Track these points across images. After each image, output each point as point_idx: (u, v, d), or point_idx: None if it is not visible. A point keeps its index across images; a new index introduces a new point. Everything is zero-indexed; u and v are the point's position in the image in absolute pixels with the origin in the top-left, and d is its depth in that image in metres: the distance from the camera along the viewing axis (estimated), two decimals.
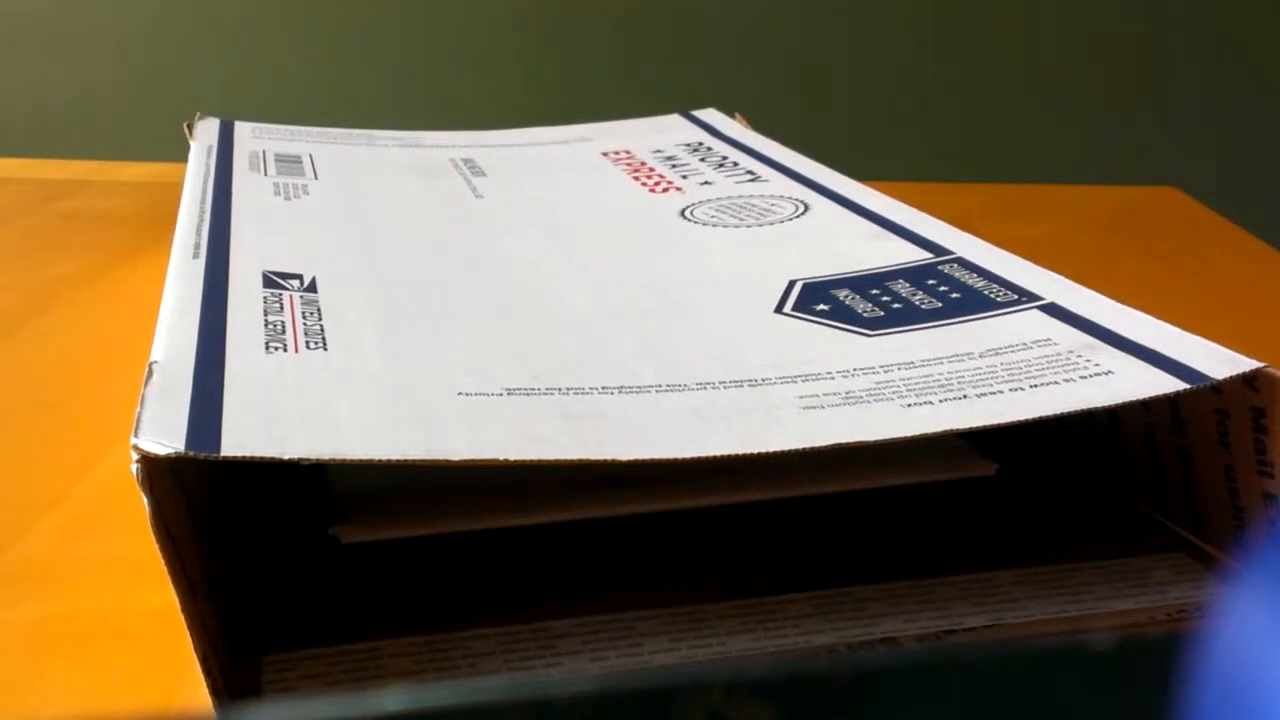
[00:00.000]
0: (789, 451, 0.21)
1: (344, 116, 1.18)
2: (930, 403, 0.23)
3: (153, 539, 0.18)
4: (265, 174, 0.41)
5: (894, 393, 0.24)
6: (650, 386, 0.24)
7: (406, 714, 0.12)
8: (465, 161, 0.46)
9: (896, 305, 0.29)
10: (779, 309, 0.29)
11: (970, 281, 0.30)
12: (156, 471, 0.19)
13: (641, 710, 0.12)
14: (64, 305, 0.41)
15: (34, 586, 0.25)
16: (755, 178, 0.42)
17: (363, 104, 1.19)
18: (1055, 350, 0.26)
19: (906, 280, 0.31)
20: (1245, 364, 0.23)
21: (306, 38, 1.18)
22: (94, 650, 0.23)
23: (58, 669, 0.22)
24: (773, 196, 0.39)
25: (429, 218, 0.37)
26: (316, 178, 0.42)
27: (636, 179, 0.42)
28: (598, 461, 0.21)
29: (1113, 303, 0.28)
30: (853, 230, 0.35)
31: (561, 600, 0.24)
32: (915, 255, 0.32)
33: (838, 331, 0.27)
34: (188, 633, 0.19)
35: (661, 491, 0.25)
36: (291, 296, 0.29)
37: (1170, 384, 0.23)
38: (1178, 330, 0.26)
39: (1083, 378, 0.24)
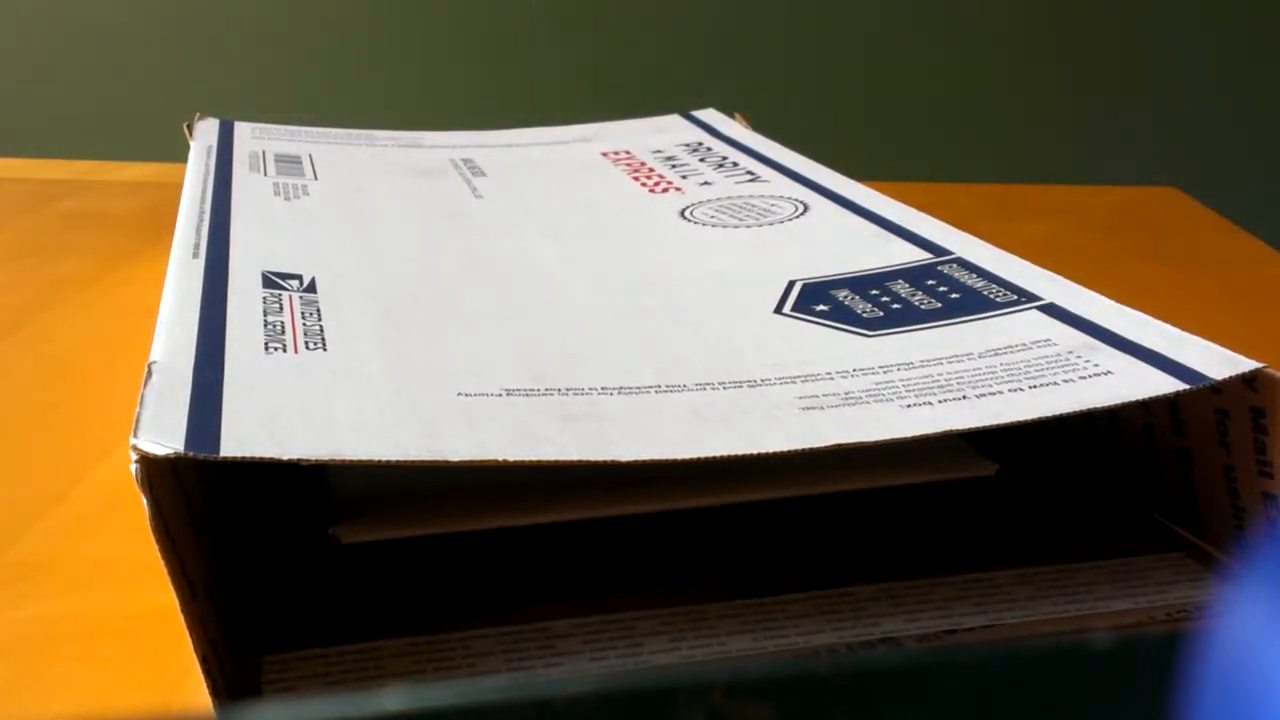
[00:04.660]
0: (788, 452, 0.21)
1: (344, 116, 1.18)
2: (930, 403, 0.23)
3: (153, 539, 0.18)
4: (265, 174, 0.41)
5: (893, 393, 0.24)
6: (650, 387, 0.24)
7: (406, 714, 0.12)
8: (465, 161, 0.46)
9: (896, 305, 0.29)
10: (778, 309, 0.29)
11: (970, 282, 0.30)
12: (156, 471, 0.19)
13: (641, 710, 0.12)
14: (64, 305, 0.41)
15: (34, 586, 0.25)
16: (755, 178, 0.42)
17: (363, 104, 1.19)
18: (1055, 351, 0.26)
19: (906, 280, 0.31)
20: (1245, 364, 0.23)
21: (306, 38, 1.18)
22: (94, 650, 0.23)
23: (58, 669, 0.22)
24: (773, 197, 0.39)
25: (429, 218, 0.37)
26: (316, 178, 0.42)
27: (636, 179, 0.42)
28: (598, 462, 0.21)
29: (1112, 303, 0.28)
30: (852, 230, 0.35)
31: (561, 600, 0.24)
32: (915, 255, 0.32)
33: (837, 332, 0.27)
34: (188, 633, 0.19)
35: (661, 491, 0.25)
36: (291, 297, 0.29)
37: (1170, 384, 0.23)
38: (1177, 330, 0.26)
39: (1082, 378, 0.24)
